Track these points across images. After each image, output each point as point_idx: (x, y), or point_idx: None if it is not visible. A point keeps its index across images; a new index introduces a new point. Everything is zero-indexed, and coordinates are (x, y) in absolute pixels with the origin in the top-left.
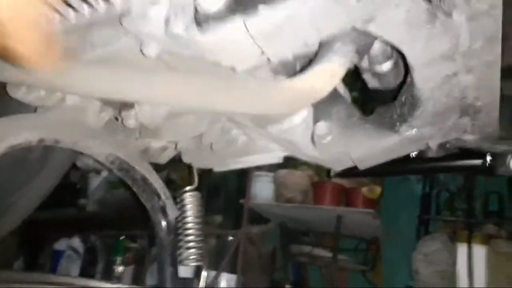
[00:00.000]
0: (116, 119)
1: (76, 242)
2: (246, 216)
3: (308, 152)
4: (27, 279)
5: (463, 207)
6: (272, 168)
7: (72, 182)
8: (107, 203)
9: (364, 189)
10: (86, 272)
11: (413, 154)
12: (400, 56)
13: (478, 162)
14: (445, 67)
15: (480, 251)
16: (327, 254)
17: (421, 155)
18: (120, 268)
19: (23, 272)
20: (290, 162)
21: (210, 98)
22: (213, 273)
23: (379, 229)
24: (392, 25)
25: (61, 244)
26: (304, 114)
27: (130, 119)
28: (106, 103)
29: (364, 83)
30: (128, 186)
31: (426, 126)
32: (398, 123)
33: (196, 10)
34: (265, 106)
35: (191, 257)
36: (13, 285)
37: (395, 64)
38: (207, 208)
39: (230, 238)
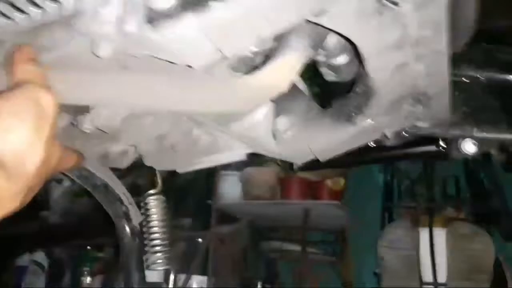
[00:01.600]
0: (73, 124)
1: (40, 256)
2: (215, 217)
3: (270, 148)
4: None
5: (423, 193)
6: (239, 166)
7: None
8: (71, 213)
9: (329, 181)
10: (52, 286)
11: (371, 144)
12: (352, 47)
13: (432, 148)
14: (396, 56)
15: (440, 234)
16: (296, 248)
17: (379, 145)
18: (88, 279)
19: None
20: (256, 160)
21: (168, 98)
22: (183, 276)
23: (346, 220)
24: (343, 17)
25: (24, 260)
26: (264, 110)
27: (86, 124)
28: (61, 108)
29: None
30: (90, 194)
31: (381, 116)
32: (354, 114)
33: (148, 8)
34: (224, 104)
35: (158, 261)
36: None
37: (350, 56)
38: (176, 211)
39: (200, 240)
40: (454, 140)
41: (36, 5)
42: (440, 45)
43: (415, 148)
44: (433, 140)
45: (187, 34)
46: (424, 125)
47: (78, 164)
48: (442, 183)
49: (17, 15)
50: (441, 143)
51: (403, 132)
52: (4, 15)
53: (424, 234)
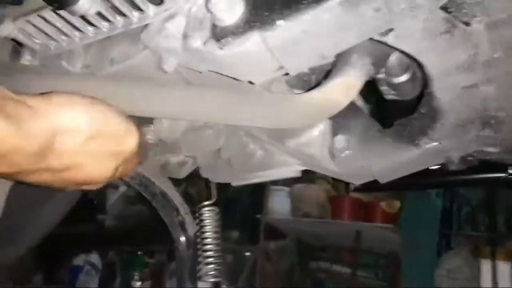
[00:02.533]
0: None
1: (95, 257)
2: (263, 232)
3: (326, 166)
4: None
5: (485, 222)
6: (288, 182)
7: (89, 198)
8: (125, 218)
9: (383, 204)
10: (104, 287)
11: (434, 167)
12: (418, 67)
13: (501, 175)
14: (464, 77)
15: (504, 268)
16: (345, 270)
17: (442, 169)
18: (137, 284)
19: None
20: (306, 176)
21: (228, 113)
22: None
23: (399, 244)
24: (409, 36)
25: (79, 259)
26: (321, 128)
27: (149, 135)
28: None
29: (381, 95)
30: (146, 201)
31: (447, 139)
32: (418, 136)
33: (213, 25)
34: (282, 120)
35: (210, 273)
36: None
37: (413, 75)
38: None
39: (247, 253)
40: None
41: (106, 19)
42: None
43: (481, 175)
44: (500, 166)
45: (252, 51)
46: (493, 150)
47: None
48: (506, 212)
49: (89, 28)
50: (510, 170)
51: (470, 157)
52: (78, 29)
53: (485, 266)
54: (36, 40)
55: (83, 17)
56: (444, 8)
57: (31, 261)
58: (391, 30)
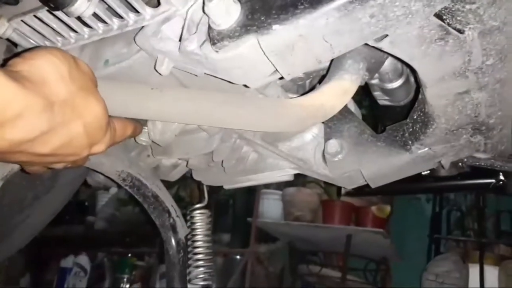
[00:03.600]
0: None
1: (83, 259)
2: (254, 235)
3: (319, 170)
4: None
5: (474, 227)
6: (280, 185)
7: (80, 200)
8: (116, 221)
9: (374, 208)
10: None
11: (425, 172)
12: (411, 73)
13: (490, 181)
14: (457, 84)
15: (492, 273)
16: (336, 274)
17: (433, 174)
18: (126, 286)
19: None
20: (298, 180)
21: (222, 116)
22: None
23: (389, 249)
24: (404, 42)
25: (68, 261)
26: (315, 132)
27: (143, 137)
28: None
29: (374, 100)
30: (137, 203)
31: (439, 144)
32: (410, 141)
33: (210, 28)
34: (276, 123)
35: (200, 276)
36: None
37: (406, 81)
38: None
39: (238, 257)
40: None
41: (102, 20)
42: (504, 74)
43: (471, 180)
44: (491, 172)
45: (248, 55)
46: (483, 157)
47: (138, 131)
48: (495, 217)
49: (84, 29)
50: (500, 176)
51: (460, 163)
52: (73, 30)
53: (474, 270)
54: (31, 41)
55: (79, 18)
56: (439, 15)
57: (18, 263)
58: (386, 36)
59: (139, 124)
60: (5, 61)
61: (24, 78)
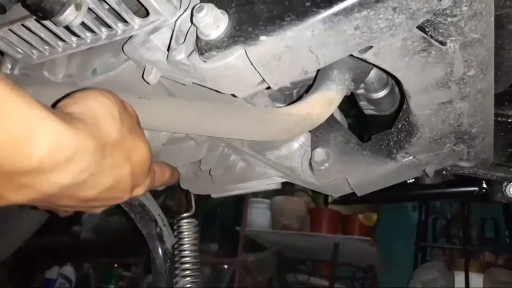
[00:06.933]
0: None
1: (69, 270)
2: (242, 244)
3: (306, 178)
4: None
5: (459, 235)
6: (268, 194)
7: None
8: (102, 231)
9: (361, 216)
10: None
11: (410, 181)
12: (395, 83)
13: (474, 189)
14: (440, 94)
15: (477, 280)
16: (323, 283)
17: (418, 182)
18: None
19: None
20: (286, 189)
21: (210, 125)
22: None
23: (376, 257)
24: (388, 54)
25: (52, 272)
26: (302, 140)
27: None
28: None
29: (360, 110)
30: (124, 213)
31: (423, 153)
32: (395, 150)
33: (198, 38)
34: (263, 132)
35: (187, 286)
36: None
37: (391, 91)
38: (202, 235)
39: (226, 266)
40: (498, 182)
41: (90, 30)
42: (485, 85)
43: (455, 188)
44: (474, 180)
45: (235, 65)
46: (467, 165)
47: (176, 176)
48: (480, 225)
49: (73, 39)
50: (483, 184)
51: (445, 171)
52: (61, 39)
53: (459, 278)
54: (19, 50)
55: (67, 27)
56: (421, 27)
57: (2, 273)
58: (370, 47)
59: (176, 170)
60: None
61: (77, 120)
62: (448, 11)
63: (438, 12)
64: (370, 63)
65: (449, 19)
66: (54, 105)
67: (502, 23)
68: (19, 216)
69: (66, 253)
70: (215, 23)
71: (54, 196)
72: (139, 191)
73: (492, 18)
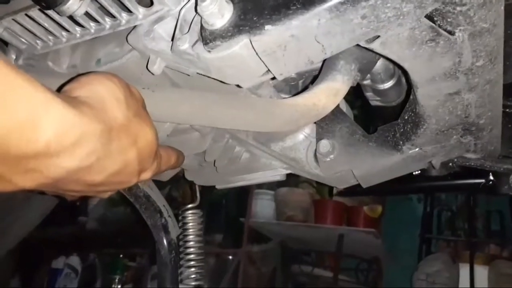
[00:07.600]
0: None
1: (74, 260)
2: (247, 235)
3: (310, 170)
4: None
5: (464, 227)
6: (272, 186)
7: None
8: (107, 221)
9: (366, 208)
10: None
11: (416, 172)
12: (402, 74)
13: (480, 181)
14: (448, 85)
15: (482, 272)
16: (327, 274)
17: (424, 174)
18: (118, 287)
19: None
20: (291, 180)
21: (214, 116)
22: None
23: (381, 248)
24: (395, 43)
25: (59, 262)
26: (307, 132)
27: None
28: None
29: (366, 101)
30: (129, 204)
31: (429, 145)
32: (401, 142)
33: (202, 28)
34: (268, 123)
35: (191, 276)
36: None
37: (398, 82)
38: (207, 226)
39: (230, 257)
40: (505, 174)
41: (94, 20)
42: (494, 75)
43: (462, 180)
44: (481, 172)
45: (240, 55)
46: (473, 157)
47: (181, 160)
48: (485, 217)
49: (76, 29)
50: (490, 176)
51: (451, 163)
52: (65, 29)
53: (464, 270)
54: (23, 40)
55: (71, 17)
56: (429, 17)
57: (8, 264)
58: (377, 37)
59: (182, 153)
60: (62, 86)
61: (83, 104)
62: (457, 0)
63: (447, 1)
64: (376, 53)
65: (458, 8)
66: (59, 90)
67: None
68: (25, 206)
69: (72, 243)
70: (219, 12)
71: (61, 180)
72: (146, 175)
73: (502, 7)
